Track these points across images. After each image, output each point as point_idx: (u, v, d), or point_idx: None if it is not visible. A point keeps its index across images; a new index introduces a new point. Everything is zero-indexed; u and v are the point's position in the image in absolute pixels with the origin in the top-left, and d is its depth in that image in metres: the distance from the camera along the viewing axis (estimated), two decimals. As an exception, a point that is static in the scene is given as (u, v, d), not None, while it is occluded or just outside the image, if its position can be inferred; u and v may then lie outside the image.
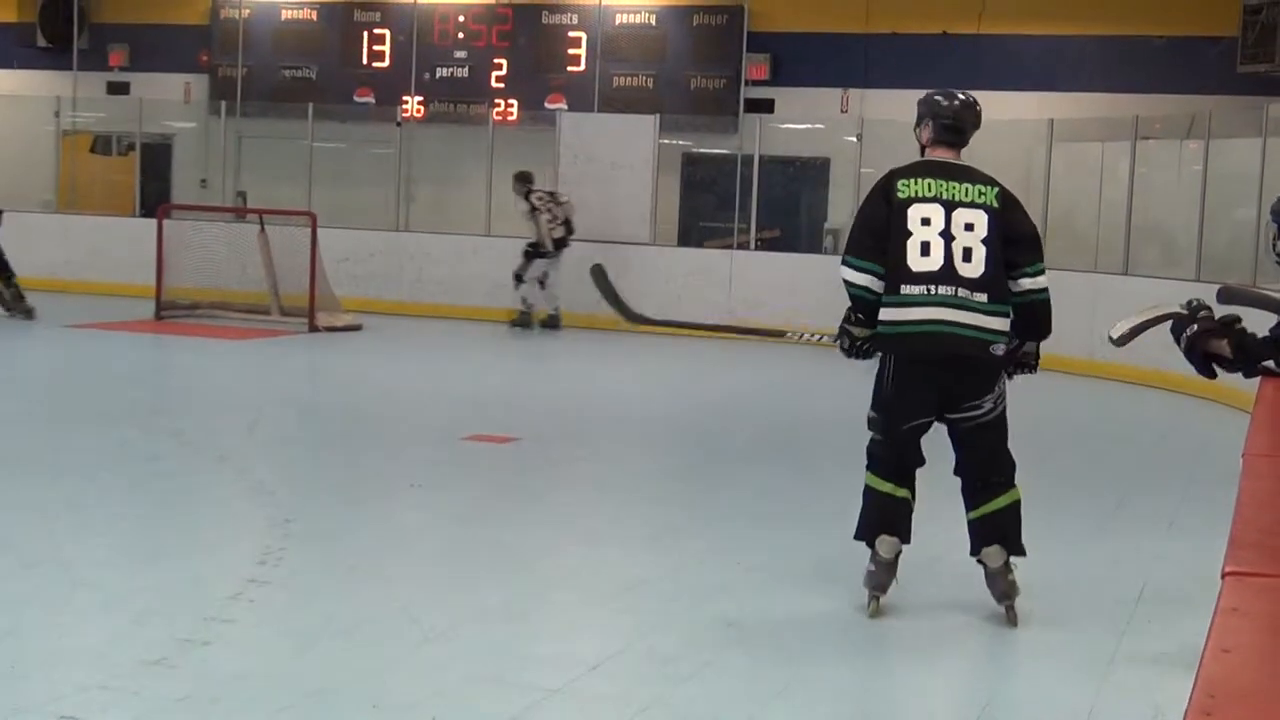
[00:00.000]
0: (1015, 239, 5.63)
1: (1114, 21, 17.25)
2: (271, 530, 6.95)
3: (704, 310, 16.12)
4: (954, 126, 5.81)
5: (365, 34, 20.25)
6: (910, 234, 5.50)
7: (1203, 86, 16.17)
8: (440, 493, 8.12)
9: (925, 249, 5.47)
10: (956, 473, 5.87)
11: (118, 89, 21.29)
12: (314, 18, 20.62)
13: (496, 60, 19.67)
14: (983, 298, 5.51)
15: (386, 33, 20.16)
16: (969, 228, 5.53)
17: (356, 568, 6.36)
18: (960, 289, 5.48)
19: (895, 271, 5.50)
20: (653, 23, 19.17)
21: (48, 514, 7.08)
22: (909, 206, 5.53)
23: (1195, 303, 4.30)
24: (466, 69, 19.83)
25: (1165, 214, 14.89)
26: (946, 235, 5.50)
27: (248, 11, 20.77)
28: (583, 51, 19.31)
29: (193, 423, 10.37)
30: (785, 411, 12.03)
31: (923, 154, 5.84)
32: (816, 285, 16.09)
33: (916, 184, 5.59)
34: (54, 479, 7.94)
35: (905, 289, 5.48)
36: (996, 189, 5.66)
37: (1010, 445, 5.80)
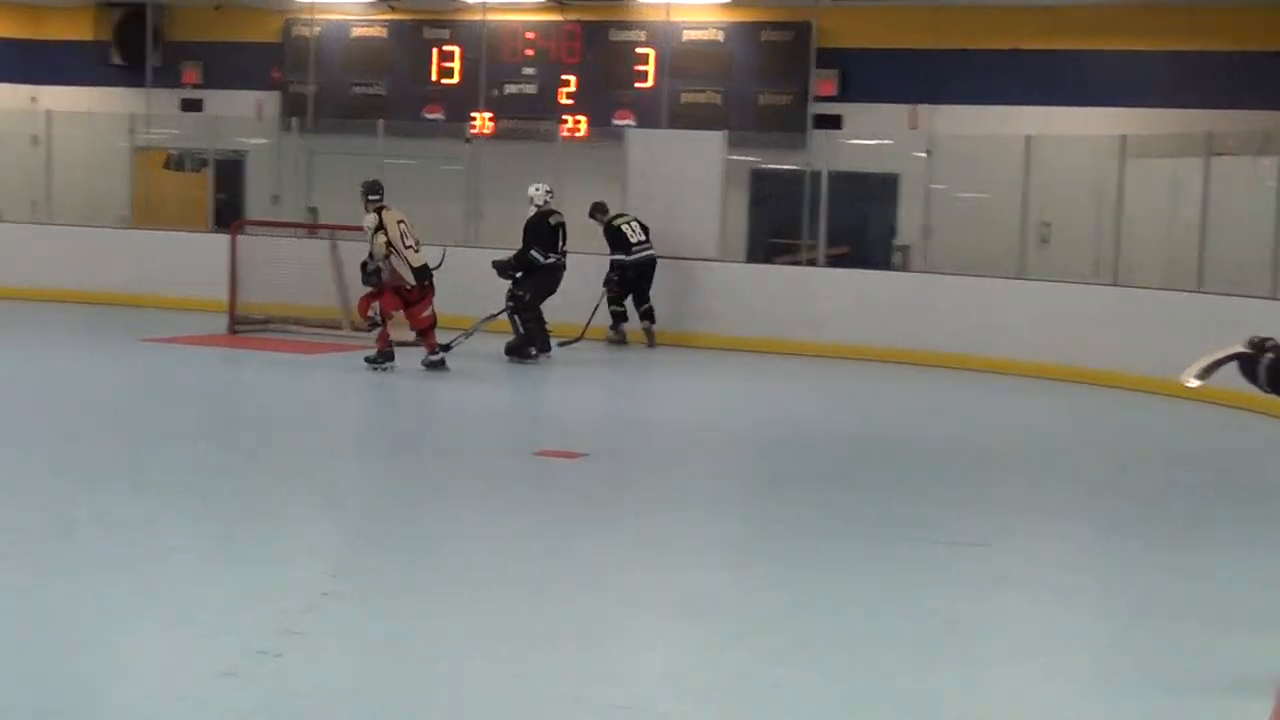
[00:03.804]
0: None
1: (1186, 36, 17.10)
2: (343, 544, 7.00)
3: (771, 326, 16.11)
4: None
5: (435, 51, 20.37)
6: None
7: (1276, 102, 16.00)
8: (511, 508, 8.13)
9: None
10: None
11: (191, 106, 21.51)
12: (384, 35, 20.77)
13: (565, 76, 19.73)
14: None
15: (456, 49, 20.26)
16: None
17: (427, 583, 6.38)
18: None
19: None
20: (721, 39, 19.18)
21: (122, 527, 7.15)
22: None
23: (1258, 339, 4.29)
24: (535, 85, 19.90)
25: (1238, 231, 14.72)
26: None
27: (319, 29, 20.94)
28: (651, 68, 19.34)
29: (264, 436, 10.45)
30: (851, 428, 11.99)
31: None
32: (886, 301, 16.08)
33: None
34: (129, 492, 8.03)
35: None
36: None
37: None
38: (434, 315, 13.34)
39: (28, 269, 18.36)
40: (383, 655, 5.32)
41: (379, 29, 20.78)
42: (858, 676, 5.30)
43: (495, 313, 14.87)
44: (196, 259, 17.42)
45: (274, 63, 21.16)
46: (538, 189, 15.32)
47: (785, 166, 18.60)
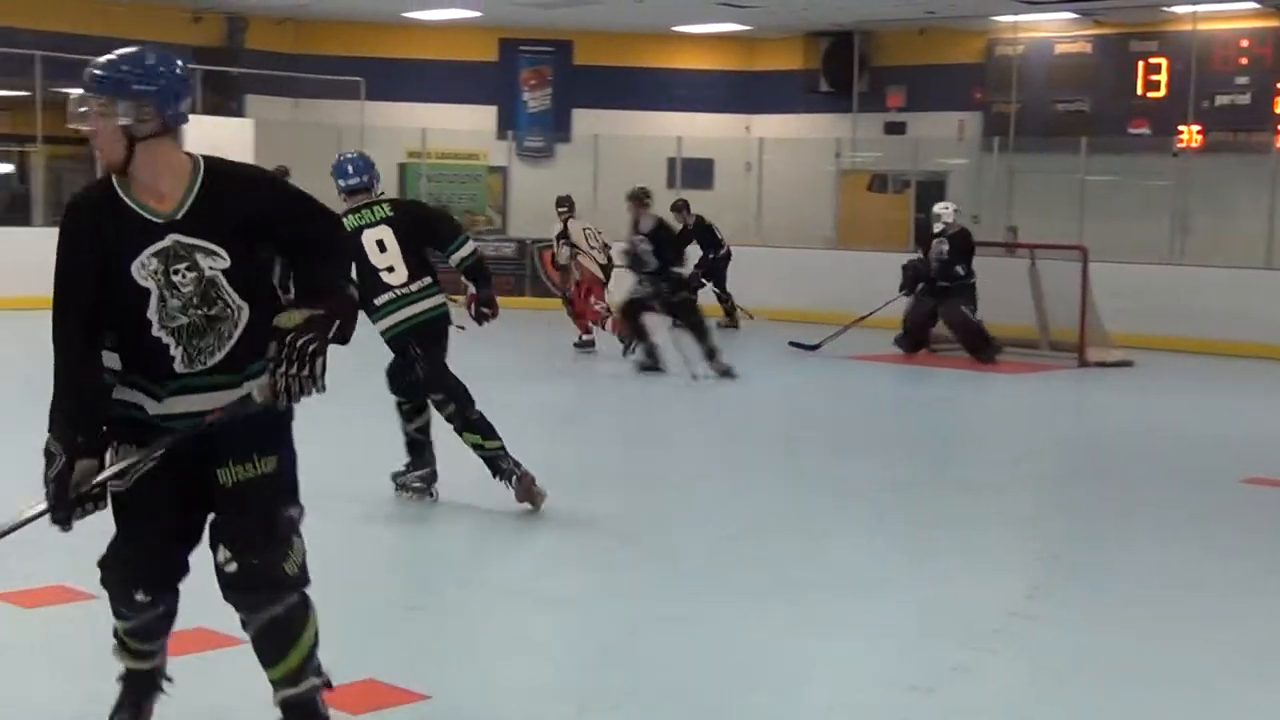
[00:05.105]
0: None
1: None
2: (1036, 564, 6.95)
3: None
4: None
5: (1140, 64, 19.86)
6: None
7: None
8: (1212, 534, 7.79)
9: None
10: None
11: (894, 129, 22.01)
12: (1088, 50, 20.45)
13: (1281, 84, 18.72)
14: None
15: (1163, 61, 19.66)
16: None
17: (1122, 609, 6.20)
18: None
19: None
20: None
21: (814, 536, 7.40)
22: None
23: None
24: (1248, 95, 18.98)
25: None
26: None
27: (1022, 47, 20.90)
28: (1379, 70, 18.02)
29: (958, 453, 10.54)
30: None
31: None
32: None
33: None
34: (825, 501, 8.29)
35: None
36: None
37: None
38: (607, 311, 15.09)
39: (743, 289, 19.37)
40: (1068, 680, 5.22)
41: (1083, 44, 20.49)
42: None
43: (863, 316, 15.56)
44: (895, 279, 17.77)
45: (976, 83, 21.30)
46: (946, 208, 15.71)
47: None
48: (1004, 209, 20.00)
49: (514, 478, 7.45)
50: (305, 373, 3.63)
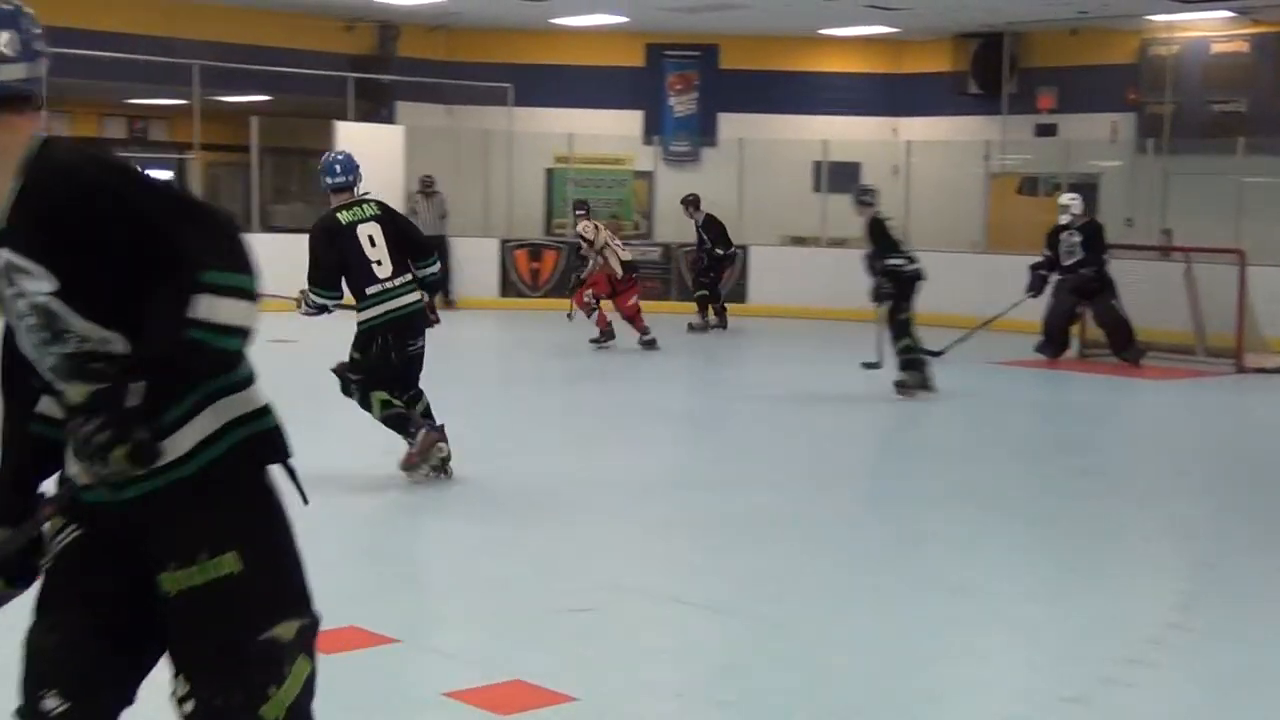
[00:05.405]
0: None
1: None
2: (1194, 575, 6.81)
3: None
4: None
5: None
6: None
7: None
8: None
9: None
10: None
11: (1045, 131, 21.69)
12: (1245, 49, 19.98)
13: None
14: None
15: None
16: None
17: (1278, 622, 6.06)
18: None
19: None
20: None
21: (965, 544, 7.32)
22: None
23: None
24: None
25: None
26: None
27: (1176, 47, 20.49)
28: None
29: (1113, 461, 10.35)
30: None
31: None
32: None
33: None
34: (977, 510, 8.19)
35: None
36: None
37: None
38: (638, 305, 15.76)
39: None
40: (1231, 693, 5.11)
41: (1240, 43, 20.03)
42: None
43: (996, 315, 15.09)
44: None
45: (1129, 83, 20.93)
46: (1074, 199, 15.67)
47: None
48: (1158, 212, 19.60)
49: (423, 430, 8.00)
50: (106, 471, 2.55)
